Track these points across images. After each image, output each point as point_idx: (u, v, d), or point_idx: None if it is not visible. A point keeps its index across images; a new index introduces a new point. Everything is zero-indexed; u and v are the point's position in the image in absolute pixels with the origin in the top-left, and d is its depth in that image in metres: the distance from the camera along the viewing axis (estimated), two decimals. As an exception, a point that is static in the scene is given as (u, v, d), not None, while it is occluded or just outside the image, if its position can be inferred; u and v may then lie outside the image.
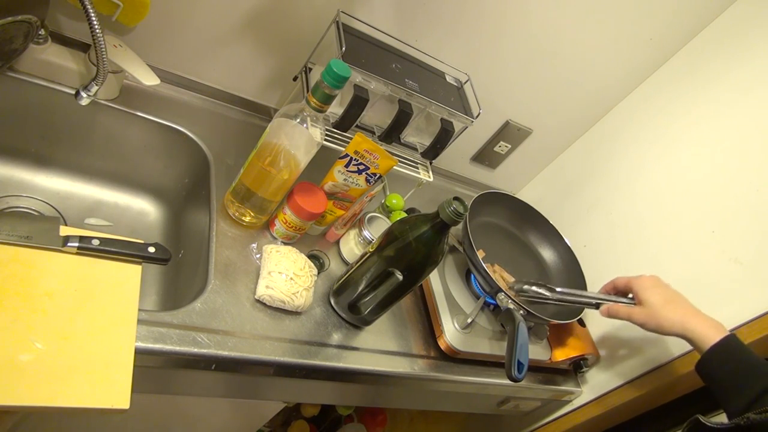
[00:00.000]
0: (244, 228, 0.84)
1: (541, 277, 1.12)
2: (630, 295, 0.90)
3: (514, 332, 0.86)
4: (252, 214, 0.83)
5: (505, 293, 0.92)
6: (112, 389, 0.55)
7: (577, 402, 1.09)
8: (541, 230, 1.16)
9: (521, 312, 0.90)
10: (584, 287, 1.06)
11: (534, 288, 0.95)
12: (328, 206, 0.87)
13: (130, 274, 0.67)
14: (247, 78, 1.00)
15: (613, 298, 0.91)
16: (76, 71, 0.82)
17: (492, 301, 0.96)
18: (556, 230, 1.14)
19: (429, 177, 1.01)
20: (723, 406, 0.75)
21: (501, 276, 1.00)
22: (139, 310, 0.64)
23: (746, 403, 0.69)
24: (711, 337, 0.76)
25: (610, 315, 0.89)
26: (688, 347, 0.91)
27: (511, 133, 1.24)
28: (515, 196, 1.21)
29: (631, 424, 1.05)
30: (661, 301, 0.83)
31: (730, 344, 0.75)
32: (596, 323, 1.08)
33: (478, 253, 0.93)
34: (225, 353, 0.68)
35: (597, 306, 0.92)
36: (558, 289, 0.95)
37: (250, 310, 0.75)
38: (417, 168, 1.01)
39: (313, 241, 0.92)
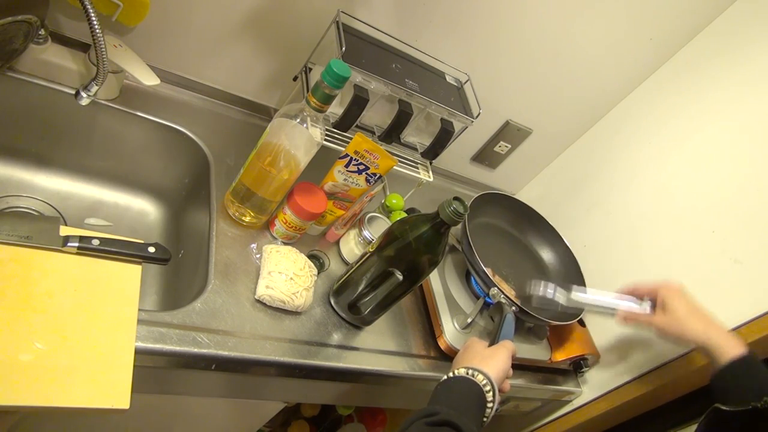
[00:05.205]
0: (244, 228, 0.84)
1: (540, 277, 1.12)
2: (645, 300, 0.88)
3: (500, 322, 0.86)
4: (252, 214, 0.83)
5: (498, 288, 0.92)
6: (112, 389, 0.55)
7: (577, 402, 1.09)
8: (540, 231, 1.16)
9: (513, 308, 0.90)
10: (583, 287, 1.05)
11: (549, 291, 0.92)
12: (328, 206, 0.87)
13: (130, 274, 0.67)
14: (247, 78, 1.00)
15: (627, 301, 0.89)
16: (76, 71, 0.82)
17: (492, 301, 0.96)
18: (556, 231, 1.14)
19: (429, 177, 1.01)
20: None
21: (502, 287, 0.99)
22: (139, 310, 0.64)
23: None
24: (732, 351, 0.75)
25: (627, 322, 0.88)
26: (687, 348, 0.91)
27: (511, 133, 1.24)
28: (515, 196, 1.21)
29: (632, 424, 1.05)
30: (686, 311, 0.82)
31: (750, 360, 0.75)
32: (596, 323, 1.08)
33: (488, 271, 0.93)
34: (225, 353, 0.68)
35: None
36: (573, 295, 0.92)
37: (250, 310, 0.75)
38: (417, 168, 1.01)
39: (313, 241, 0.92)
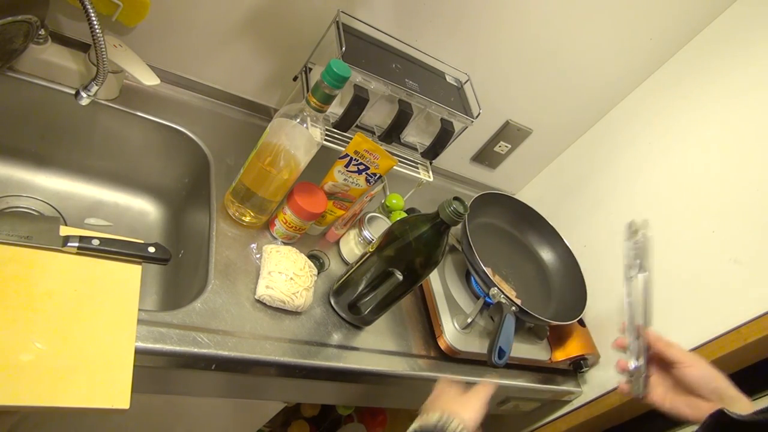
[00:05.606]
0: (244, 228, 0.84)
1: (540, 278, 1.12)
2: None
3: (501, 321, 0.87)
4: (252, 214, 0.83)
5: (498, 288, 0.92)
6: (112, 389, 0.55)
7: (577, 402, 1.09)
8: (540, 231, 1.16)
9: (513, 308, 0.91)
10: (584, 287, 1.05)
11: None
12: (328, 206, 0.87)
13: (130, 274, 0.67)
14: (247, 78, 1.00)
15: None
16: (76, 71, 0.82)
17: (492, 301, 0.96)
18: (556, 231, 1.14)
19: (429, 177, 1.01)
20: None
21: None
22: (139, 310, 0.64)
23: None
24: (747, 407, 0.68)
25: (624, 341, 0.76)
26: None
27: (511, 133, 1.24)
28: (515, 196, 1.20)
29: (632, 424, 1.05)
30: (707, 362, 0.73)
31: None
32: (596, 323, 1.08)
33: (488, 271, 0.93)
34: (225, 353, 0.68)
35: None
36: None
37: (250, 310, 0.75)
38: (417, 168, 1.01)
39: (313, 241, 0.92)
